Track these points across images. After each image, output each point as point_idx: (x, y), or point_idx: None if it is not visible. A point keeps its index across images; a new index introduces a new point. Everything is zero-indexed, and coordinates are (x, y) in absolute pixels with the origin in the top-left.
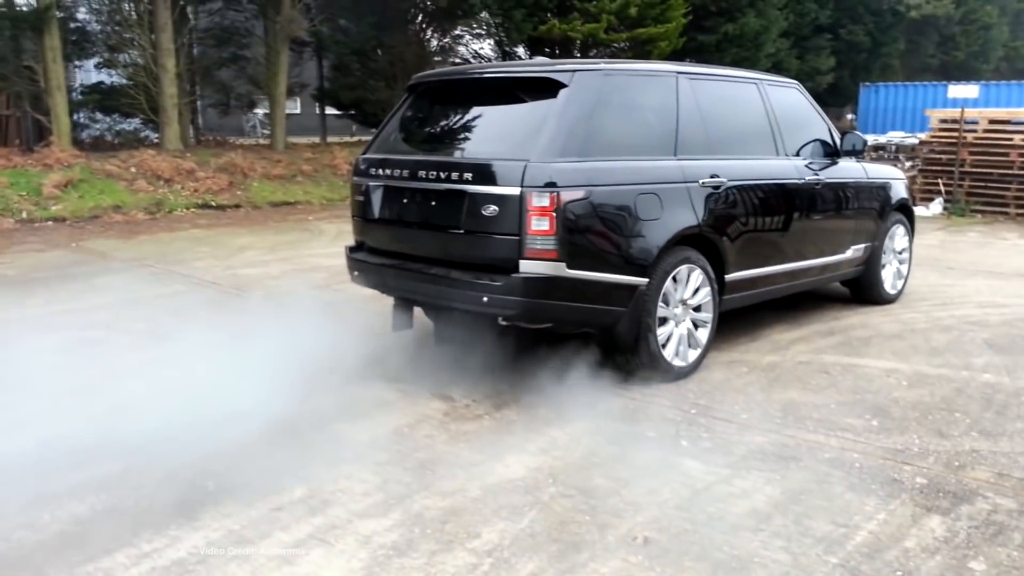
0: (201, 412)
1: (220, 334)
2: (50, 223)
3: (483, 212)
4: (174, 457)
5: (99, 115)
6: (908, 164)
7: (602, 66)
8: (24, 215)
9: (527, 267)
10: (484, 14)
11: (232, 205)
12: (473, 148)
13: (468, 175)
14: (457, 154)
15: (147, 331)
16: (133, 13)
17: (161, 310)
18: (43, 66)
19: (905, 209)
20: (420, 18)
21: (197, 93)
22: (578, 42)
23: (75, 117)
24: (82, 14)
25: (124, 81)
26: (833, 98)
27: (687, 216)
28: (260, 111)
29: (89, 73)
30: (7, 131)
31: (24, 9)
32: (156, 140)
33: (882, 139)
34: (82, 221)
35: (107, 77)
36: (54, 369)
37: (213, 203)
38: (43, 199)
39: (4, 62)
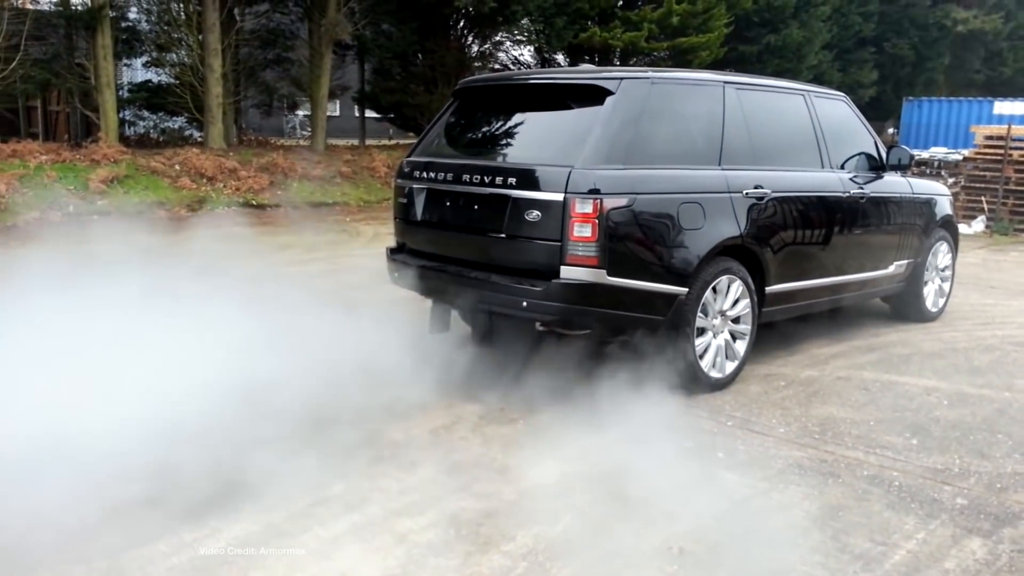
0: (243, 407)
1: (261, 332)
2: (95, 217)
3: (526, 217)
4: (217, 450)
5: (146, 113)
6: (951, 180)
7: (649, 74)
8: (71, 209)
9: (568, 273)
10: (525, 21)
11: (272, 204)
12: (517, 153)
13: (512, 180)
14: (501, 159)
15: (187, 326)
16: (182, 14)
17: (202, 306)
18: (94, 63)
19: (949, 226)
20: (462, 24)
21: (241, 93)
22: (618, 50)
23: (122, 114)
24: (133, 13)
25: (171, 80)
26: (875, 112)
27: (729, 226)
28: (301, 112)
29: (137, 71)
30: (57, 126)
31: (79, 8)
32: (200, 139)
33: (924, 155)
34: (127, 216)
35: (155, 76)
36: (97, 360)
37: (254, 202)
38: (89, 194)
39: (57, 59)
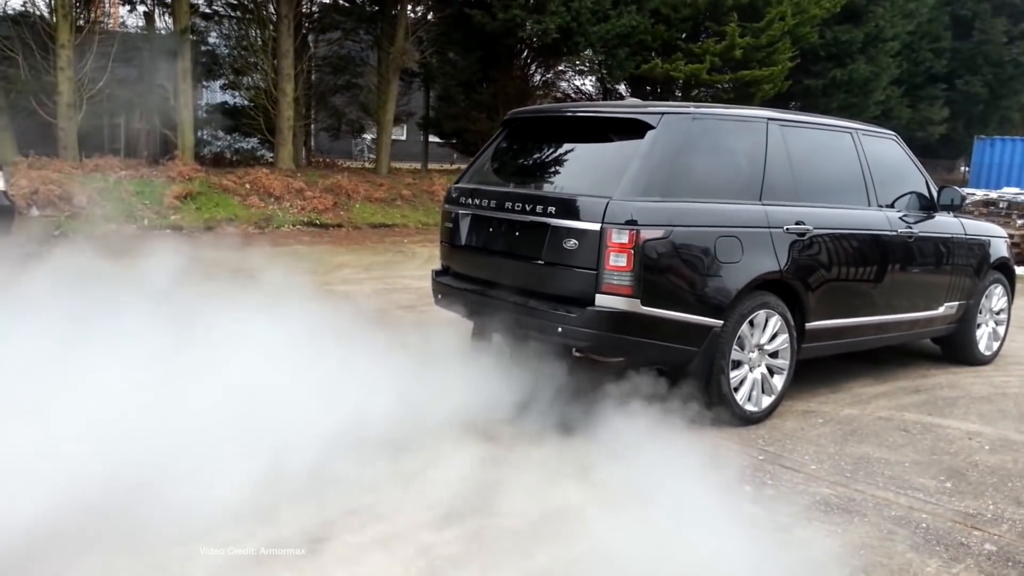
0: (286, 420)
1: (307, 347)
2: (168, 231)
3: (564, 245)
4: (258, 458)
5: (220, 133)
6: (1020, 222)
7: (690, 110)
8: (145, 222)
9: (603, 301)
10: (587, 52)
11: (335, 224)
12: (559, 183)
13: (552, 208)
14: (543, 188)
15: (237, 339)
16: (258, 40)
17: (256, 319)
18: (174, 85)
19: (1005, 268)
20: (525, 54)
21: (312, 117)
22: (680, 81)
23: (199, 134)
24: (212, 38)
25: (246, 102)
26: (945, 149)
27: (768, 261)
28: (368, 136)
29: (215, 94)
30: (137, 144)
31: (162, 32)
32: (271, 159)
33: (993, 195)
34: (197, 231)
35: (231, 98)
36: (147, 371)
37: (317, 221)
38: (164, 208)
39: (141, 80)
